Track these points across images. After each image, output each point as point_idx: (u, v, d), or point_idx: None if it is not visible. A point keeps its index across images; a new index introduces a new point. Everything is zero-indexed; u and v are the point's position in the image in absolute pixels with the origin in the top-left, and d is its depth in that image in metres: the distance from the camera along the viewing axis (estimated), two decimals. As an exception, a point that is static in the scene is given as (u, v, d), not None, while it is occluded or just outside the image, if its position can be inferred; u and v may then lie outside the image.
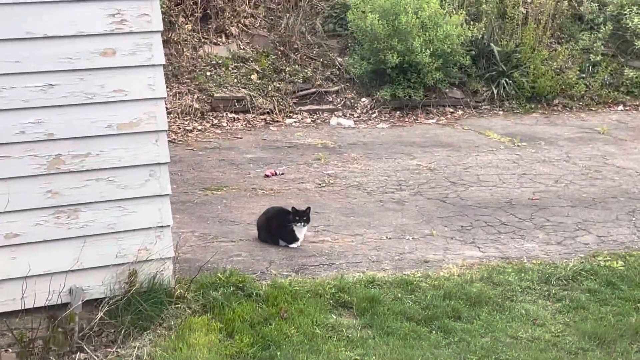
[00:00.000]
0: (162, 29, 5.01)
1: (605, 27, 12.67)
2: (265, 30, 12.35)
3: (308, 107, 11.69)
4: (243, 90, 11.32)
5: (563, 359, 4.87)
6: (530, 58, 12.12)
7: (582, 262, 6.19)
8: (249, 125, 10.91)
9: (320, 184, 8.39)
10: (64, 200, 4.86)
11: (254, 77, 11.52)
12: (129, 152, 4.98)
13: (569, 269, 6.01)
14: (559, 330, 5.20)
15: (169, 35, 11.26)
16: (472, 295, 5.54)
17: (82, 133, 4.88)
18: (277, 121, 11.18)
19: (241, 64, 11.71)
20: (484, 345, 4.95)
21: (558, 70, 12.27)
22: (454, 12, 11.95)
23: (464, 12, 11.93)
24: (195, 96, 11.04)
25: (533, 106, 12.12)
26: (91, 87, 4.88)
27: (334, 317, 5.23)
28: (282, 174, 8.73)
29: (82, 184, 4.90)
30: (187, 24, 11.70)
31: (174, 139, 10.07)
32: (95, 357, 4.72)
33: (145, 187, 5.03)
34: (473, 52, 12.09)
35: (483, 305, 5.44)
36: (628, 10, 12.86)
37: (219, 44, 11.94)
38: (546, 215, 7.39)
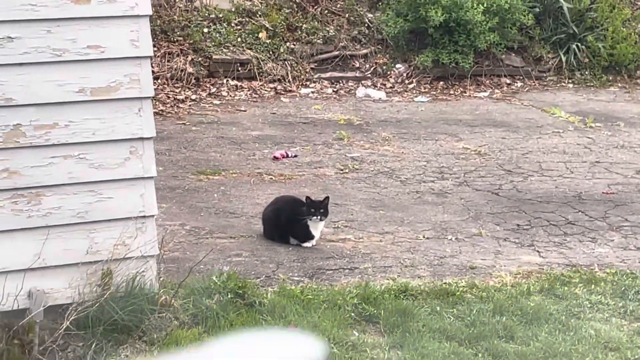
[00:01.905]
0: (148, -30, 5.03)
1: None
2: (277, -24, 12.34)
3: (329, 74, 11.69)
4: (248, 51, 11.33)
5: (641, 391, 4.88)
6: (608, 18, 12.07)
7: (668, 272, 6.19)
8: (255, 96, 10.92)
9: (342, 170, 8.40)
10: (24, 181, 4.88)
11: (262, 35, 11.53)
12: (105, 123, 5.00)
13: (651, 280, 6.01)
14: (636, 356, 5.20)
15: (158, -19, 11.30)
16: (528, 310, 5.54)
17: (48, 99, 4.90)
18: (290, 91, 11.20)
19: (246, 19, 11.72)
20: (543, 373, 4.97)
21: (643, 34, 12.24)
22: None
23: (527, -41, 11.91)
24: (189, 58, 11.07)
25: (611, 78, 12.09)
26: (60, 41, 4.90)
27: (356, 334, 5.25)
28: (295, 156, 8.75)
29: (46, 162, 4.92)
30: (180, -33, 11.72)
31: (162, 110, 10.10)
32: (59, 377, 4.75)
33: (124, 168, 5.05)
34: (537, 9, 12.06)
35: (542, 324, 5.44)
36: None
37: (219, -6, 11.95)
38: (624, 214, 7.37)
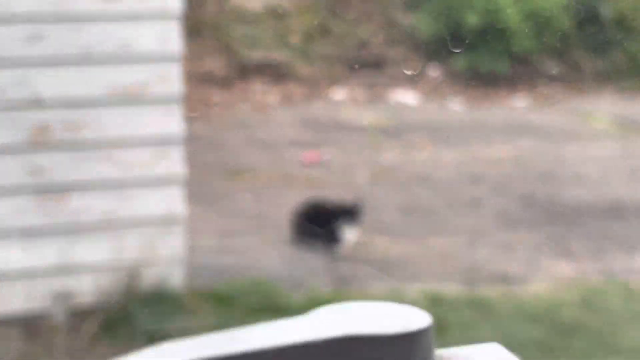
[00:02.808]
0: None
1: None
2: (310, -22, 12.36)
3: (361, 77, 11.67)
4: (280, 53, 11.33)
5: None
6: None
7: None
8: (286, 98, 10.91)
9: (373, 175, 8.37)
10: (52, 181, 4.90)
11: (294, 37, 11.53)
12: (135, 123, 5.00)
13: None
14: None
15: (189, -19, 11.34)
16: (565, 321, 5.50)
17: (77, 97, 4.91)
18: (322, 94, 11.18)
19: (279, 21, 11.73)
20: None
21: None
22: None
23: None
24: (220, 59, 11.08)
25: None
26: (90, 39, 4.90)
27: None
28: (326, 159, 8.72)
29: (75, 162, 4.93)
30: (212, -33, 11.75)
31: (192, 111, 10.11)
32: (83, 381, 4.75)
33: (153, 168, 5.06)
34: (576, 15, 11.98)
35: (579, 335, 5.41)
36: None
37: (251, -6, 11.97)
38: (664, 225, 7.33)
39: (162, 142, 5.08)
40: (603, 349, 5.32)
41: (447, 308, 5.60)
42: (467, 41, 11.61)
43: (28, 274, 4.86)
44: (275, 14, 11.79)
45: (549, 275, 6.23)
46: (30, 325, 4.86)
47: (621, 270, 6.39)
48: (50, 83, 4.86)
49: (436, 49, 11.61)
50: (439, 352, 0.81)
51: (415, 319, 0.76)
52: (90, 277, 5.01)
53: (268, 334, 0.75)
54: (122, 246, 5.04)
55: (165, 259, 5.09)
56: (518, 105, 11.19)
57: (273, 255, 6.36)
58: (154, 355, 0.74)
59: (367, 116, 10.44)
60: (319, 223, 6.44)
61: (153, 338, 4.99)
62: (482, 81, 11.74)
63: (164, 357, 0.72)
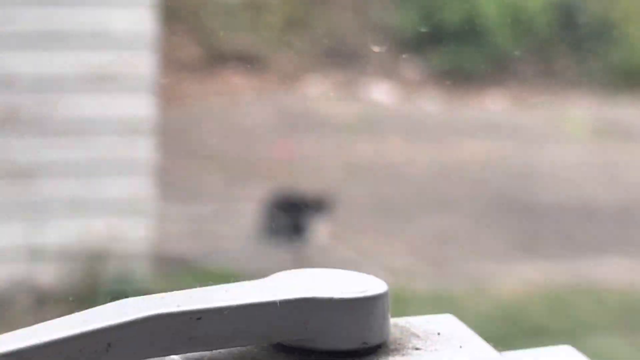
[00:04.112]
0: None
1: None
2: (288, -34, 12.38)
3: (337, 71, 11.70)
4: (256, 43, 11.34)
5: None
6: (631, 19, 12.07)
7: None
8: (261, 88, 10.93)
9: (345, 169, 8.40)
10: (18, 163, 4.91)
11: (270, 28, 11.54)
12: (105, 105, 5.03)
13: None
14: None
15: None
16: (532, 325, 5.55)
17: (48, 78, 4.93)
18: (296, 85, 11.21)
19: (255, 11, 11.73)
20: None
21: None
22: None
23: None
24: (195, 47, 11.08)
25: (631, 87, 12.08)
26: (60, 20, 4.92)
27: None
28: (298, 152, 8.74)
29: (42, 143, 4.95)
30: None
31: (164, 95, 10.10)
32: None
33: (122, 153, 5.08)
34: (558, 15, 12.05)
35: (545, 340, 5.46)
36: None
37: (228, -19, 11.98)
38: (637, 230, 7.38)
39: (132, 127, 5.11)
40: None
41: (412, 306, 5.65)
42: (445, 38, 11.65)
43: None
44: (253, 4, 11.79)
45: (518, 277, 6.29)
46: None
47: (591, 273, 6.46)
48: (19, 65, 4.87)
49: (414, 44, 11.65)
50: (394, 320, 0.86)
51: (371, 285, 0.82)
52: (55, 261, 5.03)
53: (224, 294, 0.80)
54: (89, 231, 5.06)
55: (132, 244, 5.12)
56: (494, 104, 11.25)
57: (241, 244, 6.40)
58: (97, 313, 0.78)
59: (342, 110, 10.47)
60: (289, 215, 6.48)
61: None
62: (459, 79, 11.79)
63: (125, 313, 0.77)
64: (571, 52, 12.20)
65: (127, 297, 0.81)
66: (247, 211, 7.13)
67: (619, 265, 6.85)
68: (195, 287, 0.80)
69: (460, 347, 0.86)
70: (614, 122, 10.88)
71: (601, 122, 10.75)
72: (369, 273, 0.85)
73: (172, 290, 0.80)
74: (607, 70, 12.17)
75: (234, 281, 0.86)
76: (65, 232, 5.10)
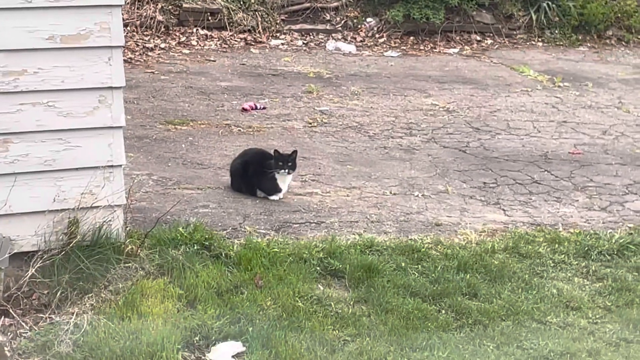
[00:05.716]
0: None
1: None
2: None
3: (299, 26, 11.65)
4: (219, 1, 11.27)
5: (600, 351, 4.93)
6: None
7: (631, 233, 6.24)
8: (225, 46, 10.88)
9: (310, 123, 8.40)
10: (-9, 127, 4.87)
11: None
12: (75, 71, 4.97)
13: (614, 241, 6.06)
14: (597, 316, 5.26)
15: None
16: (492, 268, 5.58)
17: (17, 45, 4.87)
18: (260, 42, 11.15)
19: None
20: (505, 330, 5.01)
21: (614, -6, 12.27)
22: None
23: None
24: (159, 6, 11.00)
25: (580, 38, 12.12)
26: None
27: (321, 288, 5.28)
28: (264, 108, 8.74)
29: (14, 109, 4.90)
30: None
31: (131, 58, 10.04)
32: (23, 324, 4.76)
33: (93, 116, 5.04)
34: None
35: (506, 282, 5.49)
36: None
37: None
38: (589, 174, 7.43)
39: (101, 90, 5.05)
40: (529, 293, 5.42)
41: (379, 255, 5.67)
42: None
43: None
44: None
45: (479, 223, 6.32)
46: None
47: (548, 219, 6.50)
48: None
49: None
50: None
51: None
52: (30, 223, 5.00)
53: None
54: (62, 193, 5.03)
55: (105, 205, 5.09)
56: (452, 55, 11.28)
57: (211, 201, 6.39)
58: None
59: (305, 65, 10.46)
60: (256, 171, 6.47)
61: (93, 281, 5.01)
62: (417, 31, 11.80)
63: None
64: (525, 2, 12.20)
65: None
66: (217, 167, 7.10)
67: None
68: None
69: None
70: (565, 70, 10.92)
71: (555, 70, 10.79)
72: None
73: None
74: (560, 20, 12.19)
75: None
76: (40, 194, 5.10)
